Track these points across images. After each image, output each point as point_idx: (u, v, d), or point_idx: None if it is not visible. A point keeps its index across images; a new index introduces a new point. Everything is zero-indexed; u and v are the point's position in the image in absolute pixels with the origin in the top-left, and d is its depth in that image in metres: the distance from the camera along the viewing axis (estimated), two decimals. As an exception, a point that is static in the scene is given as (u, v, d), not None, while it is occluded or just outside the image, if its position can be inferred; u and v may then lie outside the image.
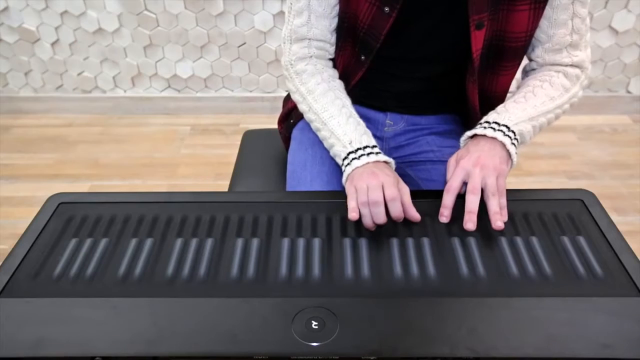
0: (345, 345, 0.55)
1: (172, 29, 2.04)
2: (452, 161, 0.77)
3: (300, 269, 0.65)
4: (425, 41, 0.84)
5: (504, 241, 0.68)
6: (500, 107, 0.80)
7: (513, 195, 0.74)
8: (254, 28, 2.04)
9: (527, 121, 0.77)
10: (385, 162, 0.77)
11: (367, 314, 0.58)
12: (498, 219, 0.68)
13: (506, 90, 0.90)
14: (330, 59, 0.91)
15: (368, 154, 0.76)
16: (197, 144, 2.11)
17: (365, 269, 0.64)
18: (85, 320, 0.58)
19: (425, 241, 0.69)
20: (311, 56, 0.88)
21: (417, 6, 0.79)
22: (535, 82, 0.83)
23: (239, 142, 1.23)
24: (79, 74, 2.18)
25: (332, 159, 0.86)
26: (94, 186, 1.88)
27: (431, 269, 0.64)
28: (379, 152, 0.77)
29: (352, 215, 0.69)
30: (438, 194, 0.74)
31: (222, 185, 1.83)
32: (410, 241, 0.69)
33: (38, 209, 0.75)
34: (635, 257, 0.65)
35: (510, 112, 0.77)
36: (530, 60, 0.87)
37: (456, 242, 0.68)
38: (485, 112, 0.81)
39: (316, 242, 0.69)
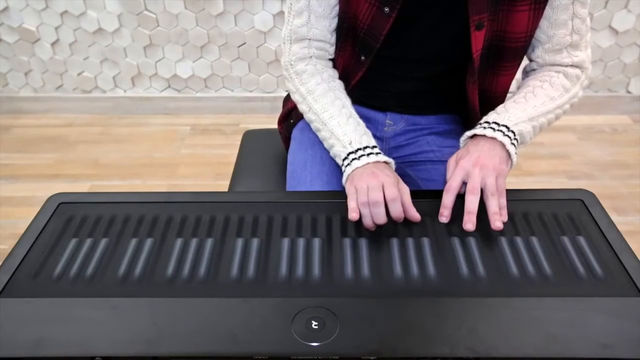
0: (345, 345, 0.55)
1: (172, 29, 2.04)
2: (451, 161, 0.77)
3: (300, 269, 0.65)
4: (425, 41, 0.84)
5: (504, 241, 0.68)
6: (500, 108, 0.80)
7: (513, 195, 0.74)
8: (254, 28, 2.04)
9: (527, 121, 0.77)
10: (385, 162, 0.77)
11: (367, 314, 0.58)
12: (497, 220, 0.68)
13: (506, 91, 0.90)
14: (330, 59, 0.91)
15: (368, 154, 0.76)
16: (197, 144, 2.11)
17: (365, 269, 0.64)
18: (85, 320, 0.58)
19: (425, 241, 0.69)
20: (311, 56, 0.88)
21: (417, 6, 0.79)
22: (536, 83, 0.83)
23: (239, 142, 1.23)
24: (79, 74, 2.18)
25: (332, 159, 0.86)
26: (94, 186, 1.88)
27: (431, 269, 0.64)
28: (379, 153, 0.77)
29: (352, 215, 0.69)
30: (438, 194, 0.74)
31: (222, 185, 1.83)
32: (410, 241, 0.69)
33: (38, 209, 0.75)
34: (635, 257, 0.65)
35: (510, 112, 0.77)
36: (531, 60, 0.87)
37: (456, 242, 0.68)
38: (485, 112, 0.81)
39: (316, 242, 0.69)
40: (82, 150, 2.07)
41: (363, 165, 0.75)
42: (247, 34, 2.05)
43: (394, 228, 0.71)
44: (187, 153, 2.05)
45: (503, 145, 0.74)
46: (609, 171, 1.91)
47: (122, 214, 0.74)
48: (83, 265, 0.66)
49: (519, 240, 0.68)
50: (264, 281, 0.63)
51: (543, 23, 0.80)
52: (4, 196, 1.83)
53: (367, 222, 0.70)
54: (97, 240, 0.70)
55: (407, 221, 0.71)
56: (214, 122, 2.23)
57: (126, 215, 0.74)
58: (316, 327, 0.56)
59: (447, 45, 0.85)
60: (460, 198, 0.72)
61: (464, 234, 0.69)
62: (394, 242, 0.69)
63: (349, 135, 0.79)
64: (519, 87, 0.86)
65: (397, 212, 0.70)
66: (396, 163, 0.80)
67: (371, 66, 0.88)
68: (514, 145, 0.75)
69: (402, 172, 0.96)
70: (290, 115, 1.03)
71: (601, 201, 0.75)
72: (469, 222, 0.68)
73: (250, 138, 1.23)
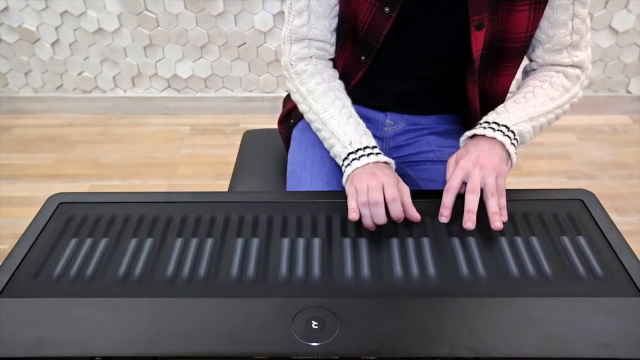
0: (345, 345, 0.55)
1: (172, 29, 2.04)
2: (451, 161, 0.77)
3: (300, 269, 0.65)
4: (426, 41, 0.84)
5: (504, 241, 0.68)
6: (499, 108, 0.80)
7: (513, 195, 0.74)
8: (254, 28, 2.04)
9: (526, 121, 0.77)
10: (386, 162, 0.77)
11: (367, 314, 0.58)
12: (497, 220, 0.68)
13: (506, 91, 0.90)
14: (331, 59, 0.91)
15: (368, 154, 0.76)
16: (197, 144, 2.11)
17: (365, 269, 0.64)
18: (85, 320, 0.58)
19: (425, 241, 0.69)
20: (311, 56, 0.88)
21: (417, 6, 0.79)
22: (536, 83, 0.83)
23: (239, 142, 1.23)
24: (79, 74, 2.18)
25: (332, 159, 0.86)
26: (94, 186, 1.88)
27: (431, 269, 0.64)
28: (379, 153, 0.77)
29: (352, 215, 0.69)
30: (438, 194, 0.74)
31: (222, 185, 1.83)
32: (410, 241, 0.69)
33: (38, 209, 0.75)
34: (635, 257, 0.65)
35: (509, 112, 0.77)
36: (531, 60, 0.87)
37: (456, 242, 0.68)
38: (485, 112, 0.81)
39: (316, 242, 0.69)
40: (82, 150, 2.07)
41: (363, 166, 0.75)
42: (247, 34, 2.05)
43: (394, 228, 0.71)
44: (187, 153, 2.05)
45: (503, 145, 0.74)
46: (609, 171, 1.91)
47: (122, 214, 0.74)
48: (83, 265, 0.66)
49: (519, 240, 0.68)
50: (264, 281, 0.63)
51: (543, 23, 0.80)
52: (4, 196, 1.83)
53: (367, 222, 0.70)
54: (97, 240, 0.70)
55: (407, 221, 0.71)
56: (214, 122, 2.23)
57: (126, 215, 0.74)
58: (316, 327, 0.56)
59: (447, 45, 0.85)
60: (460, 198, 0.72)
61: (464, 234, 0.69)
62: (394, 242, 0.69)
63: (349, 136, 0.79)
64: (519, 87, 0.86)
65: (396, 212, 0.70)
66: (396, 163, 0.80)
67: (371, 66, 0.88)
68: (514, 145, 0.75)
69: (402, 172, 0.96)
70: (291, 115, 1.03)
71: (601, 201, 0.75)
72: (469, 221, 0.68)
73: (250, 138, 1.23)
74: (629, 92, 2.19)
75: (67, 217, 0.74)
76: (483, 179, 0.71)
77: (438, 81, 0.91)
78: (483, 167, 0.71)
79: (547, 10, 0.79)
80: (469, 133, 0.78)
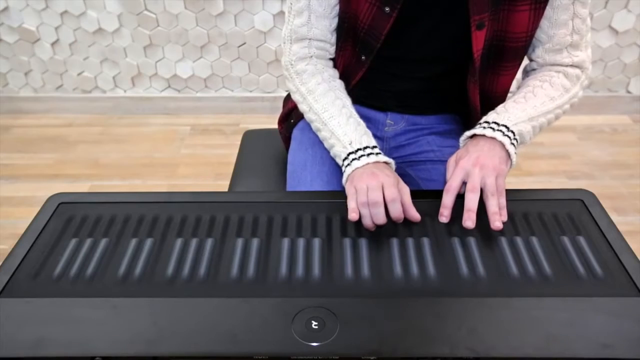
0: (345, 345, 0.55)
1: (172, 29, 2.04)
2: (451, 161, 0.77)
3: (300, 269, 0.65)
4: (426, 41, 0.84)
5: (504, 241, 0.68)
6: (499, 107, 0.80)
7: (513, 195, 0.74)
8: (254, 28, 2.04)
9: (526, 121, 0.77)
10: (386, 162, 0.77)
11: (367, 314, 0.58)
12: (497, 220, 0.68)
13: (507, 91, 0.90)
14: (331, 59, 0.91)
15: (368, 154, 0.76)
16: (197, 144, 2.11)
17: (365, 269, 0.64)
18: (85, 320, 0.58)
19: (425, 241, 0.69)
20: (311, 56, 0.88)
21: (417, 6, 0.79)
22: (536, 82, 0.83)
23: (239, 142, 1.23)
24: (79, 74, 2.18)
25: (332, 159, 0.86)
26: (94, 186, 1.88)
27: (431, 269, 0.64)
28: (379, 153, 0.77)
29: (352, 215, 0.69)
30: (438, 194, 0.73)
31: (222, 185, 1.83)
32: (410, 241, 0.69)
33: (38, 209, 0.75)
34: (635, 257, 0.65)
35: (509, 112, 0.77)
36: (531, 60, 0.87)
37: (456, 242, 0.68)
38: (485, 112, 0.81)
39: (316, 242, 0.69)
40: (82, 150, 2.07)
41: (363, 166, 0.75)
42: (247, 34, 2.05)
43: (394, 228, 0.71)
44: (187, 153, 2.05)
45: (503, 145, 0.74)
46: (609, 171, 1.91)
47: (122, 214, 0.74)
48: (83, 265, 0.66)
49: (519, 240, 0.68)
50: (264, 281, 0.63)
51: (543, 23, 0.80)
52: (4, 196, 1.83)
53: (367, 222, 0.70)
54: (97, 240, 0.70)
55: (407, 221, 0.71)
56: (214, 122, 2.23)
57: (126, 215, 0.74)
58: (316, 327, 0.56)
59: (448, 45, 0.85)
60: (460, 198, 0.72)
61: (464, 234, 0.69)
62: (394, 242, 0.69)
63: (349, 136, 0.79)
64: (519, 87, 0.86)
65: (396, 212, 0.70)
66: (396, 163, 0.80)
67: (372, 66, 0.88)
68: (514, 145, 0.75)
69: (402, 172, 0.96)
70: (291, 115, 1.03)
71: (601, 201, 0.75)
72: (469, 220, 0.68)
73: (250, 138, 1.23)
74: (629, 92, 2.19)
75: (67, 217, 0.74)
76: (483, 179, 0.71)
77: (438, 81, 0.91)
78: (483, 167, 0.71)
79: (548, 10, 0.79)
80: (468, 133, 0.78)
